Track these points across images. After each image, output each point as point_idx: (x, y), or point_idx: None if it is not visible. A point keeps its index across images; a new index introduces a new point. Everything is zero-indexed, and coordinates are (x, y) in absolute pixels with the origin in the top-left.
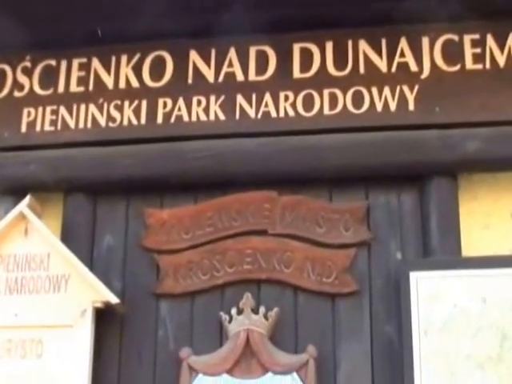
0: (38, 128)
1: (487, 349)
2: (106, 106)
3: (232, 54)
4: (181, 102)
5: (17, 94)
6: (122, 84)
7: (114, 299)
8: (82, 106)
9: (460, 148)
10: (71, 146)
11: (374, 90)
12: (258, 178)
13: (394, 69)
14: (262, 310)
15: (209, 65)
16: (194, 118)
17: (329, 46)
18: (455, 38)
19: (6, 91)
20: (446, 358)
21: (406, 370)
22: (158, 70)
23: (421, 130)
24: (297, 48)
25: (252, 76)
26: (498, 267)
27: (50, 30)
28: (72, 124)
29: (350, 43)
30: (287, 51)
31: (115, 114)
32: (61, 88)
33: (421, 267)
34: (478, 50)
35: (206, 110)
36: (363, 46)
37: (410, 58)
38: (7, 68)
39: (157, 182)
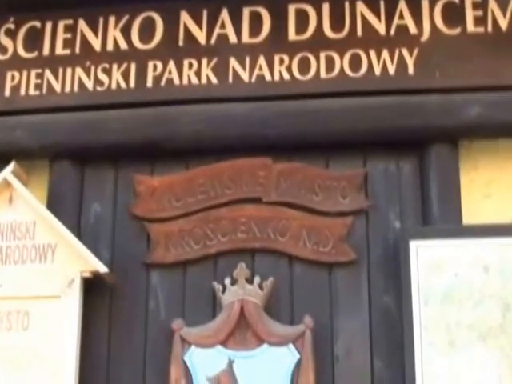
0: (22, 92)
1: (489, 319)
2: (93, 69)
3: (224, 15)
4: (171, 65)
5: (0, 57)
6: (110, 46)
7: (102, 268)
8: (69, 70)
9: (461, 113)
10: (57, 110)
11: (372, 53)
12: (252, 145)
13: (392, 31)
14: (256, 279)
15: (200, 26)
16: (185, 82)
17: (325, 7)
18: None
19: None
20: (446, 328)
21: (406, 341)
22: (147, 31)
23: (421, 95)
24: (292, 9)
25: (245, 38)
26: (500, 236)
27: None
28: (58, 88)
29: (347, 4)
30: (282, 12)
31: (103, 77)
32: (46, 51)
33: (421, 236)
34: (480, 13)
35: (198, 74)
36: (361, 7)
37: (409, 21)
38: None
39: (146, 147)
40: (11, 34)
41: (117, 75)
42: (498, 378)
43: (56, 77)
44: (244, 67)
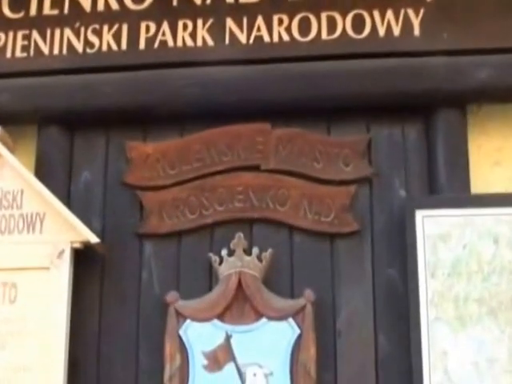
0: (8, 54)
1: (499, 293)
2: (83, 30)
3: None
4: (165, 26)
5: None
6: (101, 6)
7: (93, 239)
8: (57, 31)
9: (469, 76)
10: (45, 73)
11: (376, 14)
12: (250, 109)
13: None
14: (255, 251)
15: None
16: (179, 44)
17: None
18: None
19: None
20: (454, 303)
21: (412, 315)
22: None
23: (427, 57)
24: None
25: None
26: (511, 206)
27: None
28: (46, 50)
29: None
30: None
31: (93, 39)
32: (33, 11)
33: (427, 205)
34: None
35: (193, 35)
36: None
37: None
38: None
39: (139, 112)
40: None
41: (108, 37)
42: (508, 354)
43: (44, 38)
44: (241, 28)
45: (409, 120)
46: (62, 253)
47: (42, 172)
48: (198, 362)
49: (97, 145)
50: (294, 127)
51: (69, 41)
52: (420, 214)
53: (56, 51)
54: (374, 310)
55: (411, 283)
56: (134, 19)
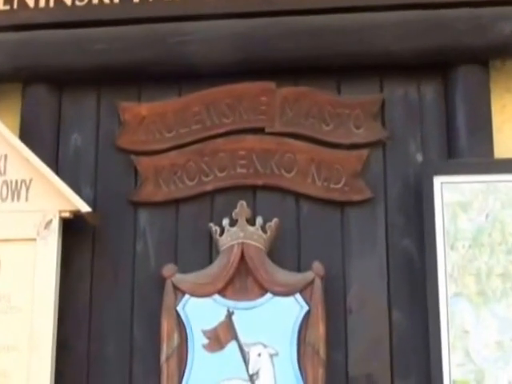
0: None
1: None
2: None
3: None
4: None
5: None
6: None
7: (84, 207)
8: None
9: (493, 30)
10: (31, 28)
11: None
12: (254, 67)
13: None
14: (258, 220)
15: None
16: None
17: None
18: None
19: None
20: (476, 277)
21: (429, 291)
22: None
23: (447, 9)
24: None
25: None
26: None
27: None
28: (31, 2)
29: None
30: None
31: None
32: None
33: (446, 170)
34: None
35: None
36: None
37: None
38: None
39: (133, 70)
40: None
41: None
42: None
43: None
44: None
45: (426, 78)
46: (49, 223)
47: (28, 135)
48: (197, 340)
49: (87, 105)
50: (302, 86)
51: None
52: (438, 181)
53: (42, 4)
54: (387, 285)
55: (429, 256)
56: None
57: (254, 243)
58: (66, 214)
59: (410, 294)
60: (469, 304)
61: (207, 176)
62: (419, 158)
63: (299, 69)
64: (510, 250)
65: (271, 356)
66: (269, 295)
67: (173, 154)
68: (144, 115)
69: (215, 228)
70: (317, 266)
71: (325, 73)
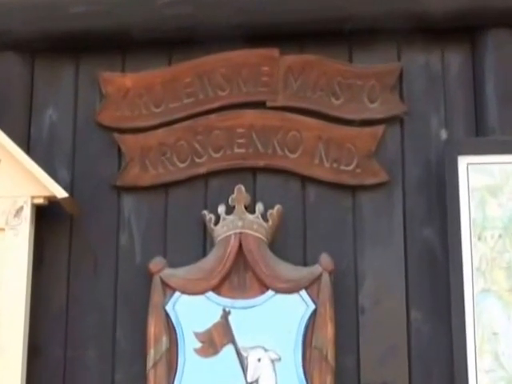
0: None
1: None
2: None
3: None
4: None
5: None
6: None
7: (60, 193)
8: None
9: None
10: None
11: None
12: (253, 31)
13: None
14: (259, 207)
15: None
16: None
17: None
18: None
19: None
20: (506, 271)
21: (454, 287)
22: None
23: None
24: None
25: None
26: None
27: None
28: None
29: None
30: None
31: None
32: None
33: (473, 150)
34: None
35: None
36: None
37: None
38: None
39: (117, 36)
40: None
41: None
42: None
43: None
44: None
45: (450, 43)
46: (20, 210)
47: None
48: (188, 344)
49: (64, 76)
50: (308, 54)
51: None
52: (464, 161)
53: None
54: (405, 281)
55: (453, 247)
56: None
57: (253, 233)
58: (40, 201)
59: (431, 290)
60: (498, 302)
61: (200, 157)
62: (442, 135)
63: (305, 34)
64: None
65: (273, 361)
66: (270, 292)
67: (161, 131)
68: (128, 87)
69: (209, 216)
70: (325, 258)
71: (335, 38)
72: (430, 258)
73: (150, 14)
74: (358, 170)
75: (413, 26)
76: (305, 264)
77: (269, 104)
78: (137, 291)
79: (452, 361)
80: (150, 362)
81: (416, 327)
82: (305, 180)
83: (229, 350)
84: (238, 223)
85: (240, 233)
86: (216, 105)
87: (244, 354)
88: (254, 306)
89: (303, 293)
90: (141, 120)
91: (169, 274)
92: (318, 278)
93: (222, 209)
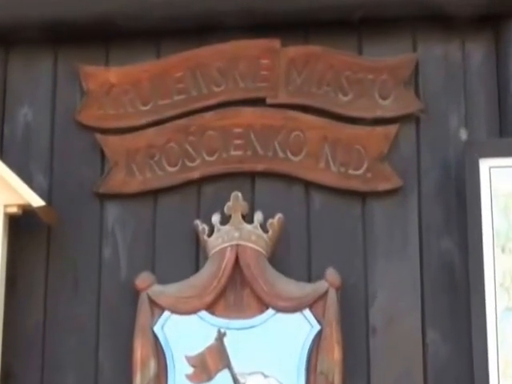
0: None
1: None
2: None
3: None
4: None
5: None
6: None
7: (36, 201)
8: None
9: None
10: None
11: None
12: (252, 20)
13: None
14: (258, 216)
15: None
16: None
17: None
18: None
19: None
20: None
21: (474, 304)
22: None
23: None
24: None
25: None
26: None
27: None
28: None
29: None
30: None
31: None
32: None
33: (496, 152)
34: None
35: None
36: None
37: None
38: None
39: (99, 25)
40: None
41: None
42: None
43: None
44: None
45: (472, 33)
46: None
47: None
48: (179, 369)
49: (41, 70)
50: (313, 45)
51: None
52: (486, 164)
53: None
54: (421, 298)
55: (474, 260)
56: None
57: (251, 245)
58: (13, 210)
59: (449, 309)
60: None
61: (193, 160)
62: (462, 135)
63: (310, 22)
64: None
65: None
66: (270, 311)
67: (149, 132)
68: (112, 83)
69: (203, 226)
70: (331, 274)
71: (343, 27)
72: (448, 272)
73: (135, 1)
74: (369, 175)
75: (430, 14)
76: (309, 280)
77: (269, 101)
78: (122, 310)
79: None
80: None
81: (433, 350)
82: (309, 186)
83: (224, 375)
84: (234, 234)
85: (237, 245)
86: (210, 102)
87: (241, 380)
88: (252, 327)
89: (307, 312)
90: (126, 119)
91: (157, 291)
92: (324, 295)
93: (216, 218)
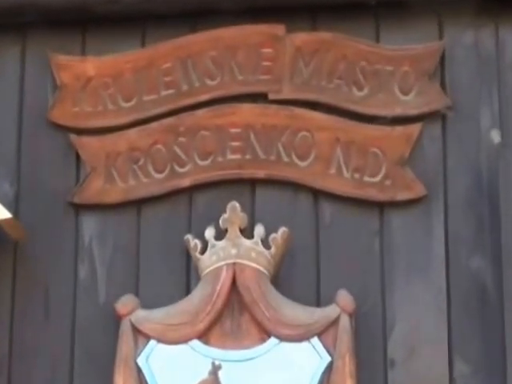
0: None
1: None
2: None
3: None
4: None
5: None
6: None
7: (1, 213)
8: None
9: None
10: None
11: None
12: (253, 2)
13: None
14: (258, 230)
15: None
16: None
17: None
18: None
19: None
20: None
21: (510, 331)
22: None
23: None
24: None
25: None
26: None
27: None
28: None
29: None
30: None
31: None
32: None
33: None
34: None
35: None
36: None
37: None
38: None
39: (75, 9)
40: None
41: None
42: None
43: None
44: None
45: (506, 18)
46: None
47: None
48: None
49: (7, 60)
50: (323, 31)
51: None
52: None
53: None
54: (448, 323)
55: (508, 281)
56: None
57: (251, 264)
58: None
59: (480, 337)
60: None
61: (183, 165)
62: (495, 137)
63: (319, 5)
64: None
65: None
66: (273, 341)
67: (133, 132)
68: (90, 75)
69: (194, 242)
70: (343, 297)
71: (357, 11)
72: (479, 295)
73: None
74: (387, 182)
75: None
76: (318, 304)
77: (271, 96)
78: (100, 340)
79: None
80: None
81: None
82: (318, 195)
83: None
84: (231, 251)
85: (234, 264)
86: (203, 98)
87: None
88: (251, 359)
89: (315, 341)
90: (106, 118)
91: (142, 317)
92: (335, 321)
93: (210, 233)
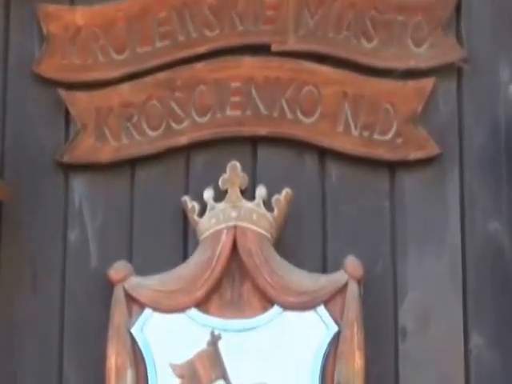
0: None
1: None
2: None
3: None
4: None
5: None
6: None
7: None
8: None
9: None
10: None
11: None
12: None
13: None
14: (260, 191)
15: None
16: None
17: None
18: None
19: None
20: None
21: None
22: None
23: None
24: None
25: None
26: None
27: None
28: None
29: None
30: None
31: None
32: None
33: None
34: None
35: None
36: None
37: None
38: None
39: None
40: None
41: None
42: None
43: None
44: None
45: None
46: None
47: None
48: (163, 381)
49: None
50: None
51: None
52: None
53: None
54: (463, 293)
55: None
56: None
57: (252, 227)
58: None
59: (497, 307)
60: None
61: (180, 122)
62: None
63: None
64: None
65: None
66: (276, 309)
67: (126, 87)
68: (79, 25)
69: (192, 204)
70: (352, 262)
71: None
72: (496, 261)
73: None
74: (399, 141)
75: None
76: (324, 270)
77: (274, 48)
78: (91, 308)
79: None
80: None
81: (477, 356)
82: (324, 154)
83: None
84: (231, 213)
85: (234, 226)
86: (201, 49)
87: None
88: (253, 328)
89: (321, 309)
90: (97, 71)
91: (136, 284)
92: (343, 289)
93: (209, 194)
